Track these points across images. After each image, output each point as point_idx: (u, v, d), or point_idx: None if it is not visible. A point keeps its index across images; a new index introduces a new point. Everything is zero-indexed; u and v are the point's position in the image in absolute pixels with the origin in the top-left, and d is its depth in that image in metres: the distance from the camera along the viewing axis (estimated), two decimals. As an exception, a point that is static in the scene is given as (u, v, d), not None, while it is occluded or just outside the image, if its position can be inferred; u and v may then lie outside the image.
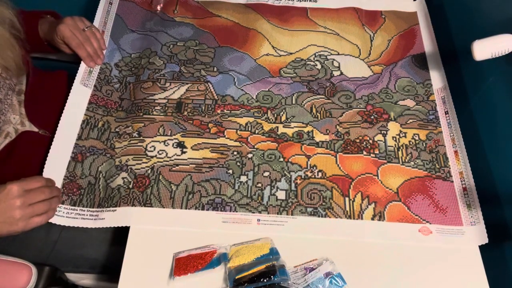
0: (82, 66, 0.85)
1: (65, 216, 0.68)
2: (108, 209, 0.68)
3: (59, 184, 0.71)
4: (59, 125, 0.77)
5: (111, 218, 0.67)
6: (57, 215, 0.67)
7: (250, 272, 0.61)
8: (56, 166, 0.73)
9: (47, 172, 0.72)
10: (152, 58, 0.87)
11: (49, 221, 0.66)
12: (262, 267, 0.61)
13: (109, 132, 0.78)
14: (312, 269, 0.62)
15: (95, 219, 0.68)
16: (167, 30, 0.92)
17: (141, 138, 0.76)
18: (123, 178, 0.71)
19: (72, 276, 0.82)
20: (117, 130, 0.78)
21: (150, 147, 0.75)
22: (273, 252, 0.63)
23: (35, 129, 0.78)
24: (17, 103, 0.78)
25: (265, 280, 0.59)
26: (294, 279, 0.61)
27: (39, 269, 0.72)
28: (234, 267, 0.62)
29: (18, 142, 0.75)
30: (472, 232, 0.67)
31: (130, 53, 0.89)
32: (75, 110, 0.79)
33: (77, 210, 0.69)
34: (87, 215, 0.68)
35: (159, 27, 0.93)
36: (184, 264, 0.62)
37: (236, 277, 0.60)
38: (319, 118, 0.80)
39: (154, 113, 0.79)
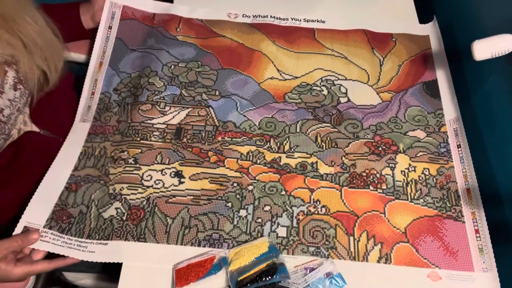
0: (82, 103, 0.82)
1: (51, 242, 0.65)
2: (99, 241, 0.65)
3: (49, 211, 0.68)
4: (54, 161, 0.74)
5: (102, 252, 0.64)
6: (42, 240, 0.65)
7: (251, 272, 0.60)
8: (46, 195, 0.70)
9: (35, 201, 0.69)
10: (152, 78, 0.84)
11: (32, 246, 0.64)
12: (263, 265, 0.60)
13: (105, 158, 0.75)
14: (312, 269, 0.62)
15: (83, 251, 0.64)
16: (168, 48, 0.89)
17: (138, 165, 0.73)
18: (116, 208, 0.68)
19: (70, 276, 0.81)
20: (112, 155, 0.75)
21: (147, 176, 0.72)
22: (272, 249, 0.63)
23: (37, 129, 0.77)
24: None
25: (267, 279, 0.59)
26: (294, 279, 0.61)
27: None
28: (236, 270, 0.61)
29: (21, 142, 0.74)
30: (483, 280, 0.63)
31: (130, 73, 0.86)
32: (73, 146, 0.76)
33: (64, 238, 0.66)
34: (74, 244, 0.65)
35: (161, 44, 0.89)
36: (185, 274, 0.60)
37: (239, 279, 0.59)
38: (324, 148, 0.76)
39: (152, 138, 0.76)
